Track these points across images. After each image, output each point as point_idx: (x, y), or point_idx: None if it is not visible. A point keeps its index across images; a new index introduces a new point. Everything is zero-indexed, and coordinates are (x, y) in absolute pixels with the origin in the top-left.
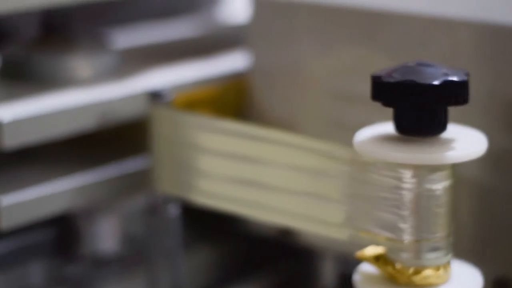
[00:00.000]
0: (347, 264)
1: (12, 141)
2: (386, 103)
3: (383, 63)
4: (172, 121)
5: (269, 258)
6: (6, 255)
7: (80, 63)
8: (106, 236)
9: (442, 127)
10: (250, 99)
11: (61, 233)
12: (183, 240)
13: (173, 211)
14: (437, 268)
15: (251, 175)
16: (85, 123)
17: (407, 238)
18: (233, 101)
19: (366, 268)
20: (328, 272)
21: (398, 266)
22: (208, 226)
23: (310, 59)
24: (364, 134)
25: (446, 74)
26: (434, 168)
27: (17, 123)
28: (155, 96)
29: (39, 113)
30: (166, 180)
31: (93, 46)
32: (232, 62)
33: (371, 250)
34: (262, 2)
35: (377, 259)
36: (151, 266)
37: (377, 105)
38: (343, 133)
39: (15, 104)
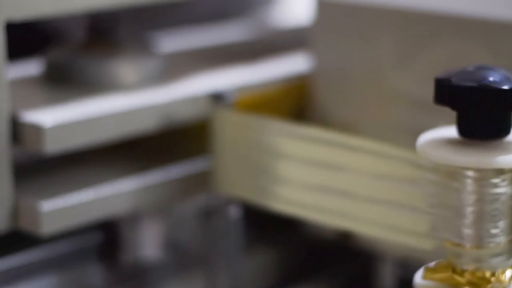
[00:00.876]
0: (406, 268)
1: (54, 146)
2: (451, 107)
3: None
4: (236, 124)
5: (328, 261)
6: (49, 259)
7: (127, 68)
8: (149, 242)
9: (507, 131)
10: (311, 102)
11: (105, 238)
12: (243, 242)
13: (234, 213)
14: (500, 272)
15: (331, 182)
16: (140, 127)
17: (471, 243)
18: (292, 104)
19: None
20: (386, 275)
21: (463, 272)
22: (267, 228)
23: (378, 62)
24: (427, 137)
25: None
26: (498, 172)
27: (60, 128)
28: (217, 98)
29: (83, 118)
30: (229, 182)
31: (139, 50)
32: (291, 64)
33: (439, 267)
34: (326, 4)
35: (453, 271)
36: (210, 268)
37: (444, 110)
38: (410, 138)
39: (59, 109)
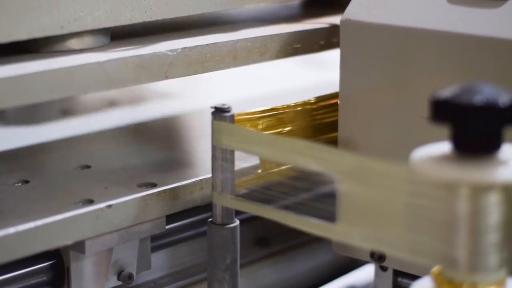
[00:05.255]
0: (404, 278)
1: None
2: (445, 122)
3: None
4: (234, 136)
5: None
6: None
7: None
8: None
9: (498, 146)
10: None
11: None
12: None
13: (233, 224)
14: (491, 285)
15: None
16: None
17: (463, 255)
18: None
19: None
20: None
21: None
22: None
23: (407, 82)
24: (420, 153)
25: (504, 95)
26: (490, 185)
27: None
28: (217, 111)
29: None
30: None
31: None
32: None
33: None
34: (349, 24)
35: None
36: (210, 279)
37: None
38: None
39: None
